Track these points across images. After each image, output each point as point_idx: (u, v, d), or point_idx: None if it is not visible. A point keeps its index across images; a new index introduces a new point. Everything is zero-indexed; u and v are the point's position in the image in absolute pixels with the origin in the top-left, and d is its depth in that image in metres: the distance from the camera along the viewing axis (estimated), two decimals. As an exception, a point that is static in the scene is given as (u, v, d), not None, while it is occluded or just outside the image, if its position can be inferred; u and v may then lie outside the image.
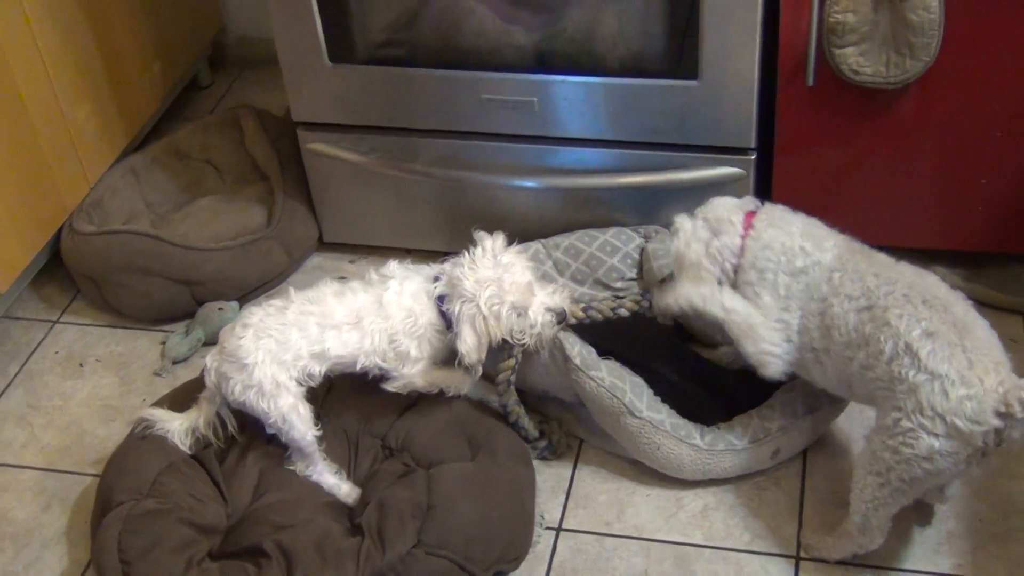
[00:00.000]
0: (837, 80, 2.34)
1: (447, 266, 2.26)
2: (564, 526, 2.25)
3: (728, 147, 2.50)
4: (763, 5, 2.29)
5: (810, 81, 2.35)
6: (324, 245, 2.97)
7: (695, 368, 2.43)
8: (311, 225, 2.93)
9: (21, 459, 2.52)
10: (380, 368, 2.24)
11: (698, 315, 2.21)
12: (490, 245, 2.22)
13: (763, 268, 2.12)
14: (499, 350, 2.25)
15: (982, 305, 2.53)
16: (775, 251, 2.11)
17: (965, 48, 2.27)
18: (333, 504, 2.25)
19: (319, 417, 2.35)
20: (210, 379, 2.23)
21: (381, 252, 2.93)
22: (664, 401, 2.27)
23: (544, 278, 2.46)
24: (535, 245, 2.62)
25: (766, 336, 2.09)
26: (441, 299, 2.21)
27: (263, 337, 2.17)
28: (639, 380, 2.27)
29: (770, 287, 2.10)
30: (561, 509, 2.28)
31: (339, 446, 2.34)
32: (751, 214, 2.18)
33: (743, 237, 2.15)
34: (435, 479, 2.15)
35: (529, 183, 2.64)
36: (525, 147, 2.61)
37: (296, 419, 2.19)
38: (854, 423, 2.36)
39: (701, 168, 2.53)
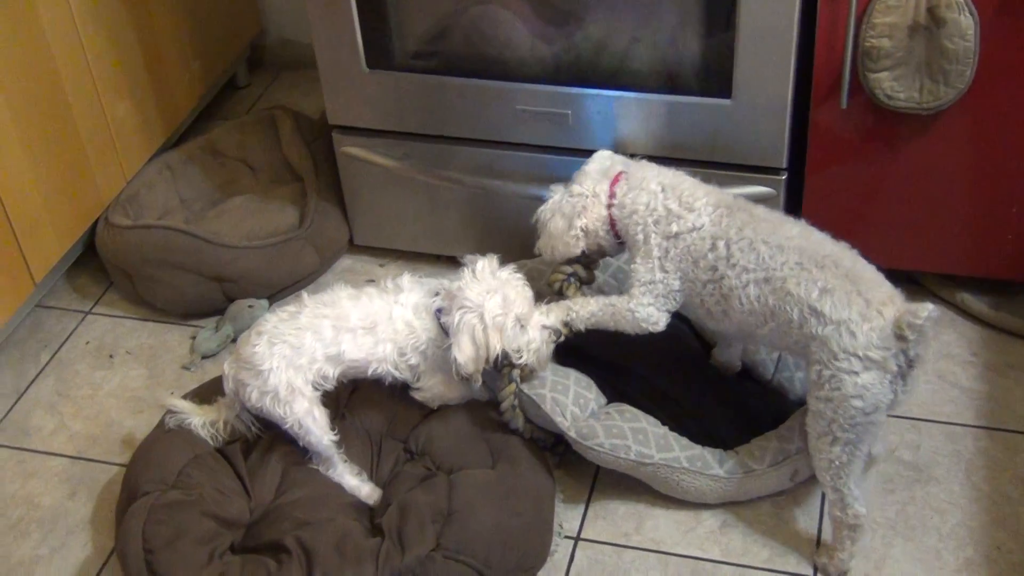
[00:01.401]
0: (870, 104, 2.36)
1: (445, 282, 2.29)
2: (583, 536, 2.27)
3: (759, 166, 2.51)
4: (799, 27, 2.31)
5: (844, 104, 2.36)
6: (355, 248, 3.01)
7: (714, 384, 2.44)
8: (342, 227, 2.96)
9: (50, 446, 2.56)
10: (394, 376, 2.27)
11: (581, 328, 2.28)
12: (485, 264, 2.24)
13: (634, 234, 2.21)
14: (497, 375, 2.26)
15: (1011, 335, 2.56)
16: (640, 214, 2.19)
17: (999, 77, 2.28)
18: (354, 504, 2.27)
19: (343, 417, 2.39)
20: (228, 386, 2.27)
21: (411, 257, 2.96)
22: (675, 428, 2.28)
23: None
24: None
25: (637, 311, 2.19)
26: (440, 312, 2.24)
27: (277, 343, 2.20)
28: (640, 423, 2.25)
29: (642, 250, 2.19)
30: (580, 519, 2.29)
31: (362, 447, 2.37)
32: (618, 177, 2.25)
33: (609, 208, 2.24)
34: (456, 485, 2.18)
35: (560, 195, 2.66)
36: (557, 159, 2.64)
37: (311, 424, 2.22)
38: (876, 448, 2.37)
39: (732, 186, 2.52)
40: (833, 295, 2.00)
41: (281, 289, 2.87)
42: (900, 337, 1.96)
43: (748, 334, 2.18)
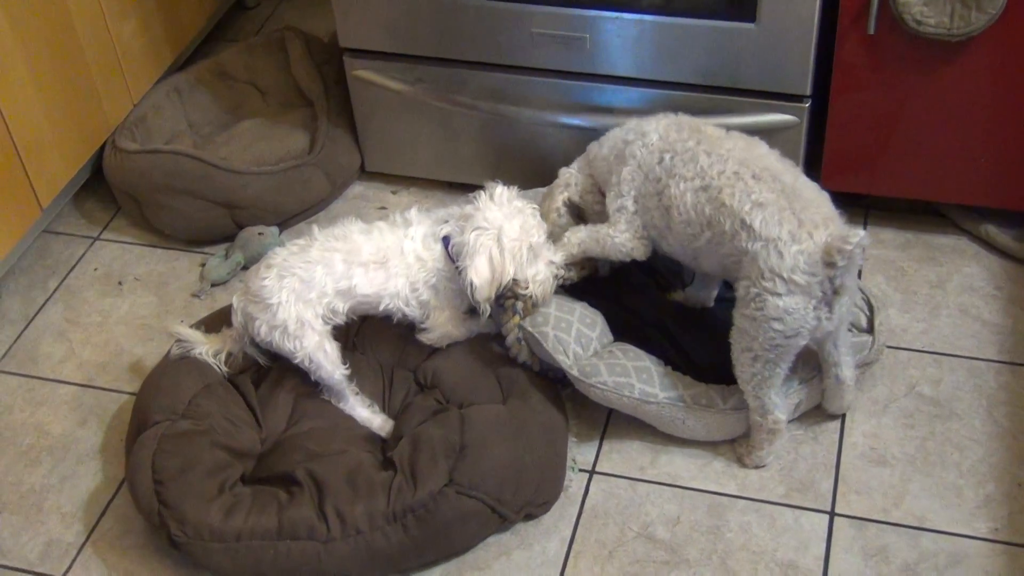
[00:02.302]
0: (899, 30, 2.28)
1: (454, 209, 2.24)
2: (597, 469, 2.24)
3: (782, 93, 2.44)
4: (828, -52, 2.23)
5: (871, 29, 2.29)
6: (366, 174, 2.95)
7: (712, 323, 2.39)
8: (354, 153, 2.90)
9: (59, 374, 2.53)
10: (404, 314, 2.24)
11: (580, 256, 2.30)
12: (503, 190, 2.19)
13: (599, 167, 2.26)
14: (500, 309, 2.22)
15: (1034, 268, 2.51)
16: (605, 147, 2.24)
17: (1035, 2, 2.20)
18: (366, 435, 2.25)
19: (353, 348, 2.35)
20: (236, 319, 2.23)
21: (423, 184, 2.91)
22: (677, 368, 2.24)
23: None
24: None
25: (616, 236, 2.19)
26: (447, 240, 2.19)
27: (286, 276, 2.16)
28: (644, 362, 2.21)
29: (608, 181, 2.22)
30: (595, 453, 2.27)
31: (374, 378, 2.34)
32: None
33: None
34: (468, 419, 2.14)
35: (576, 120, 2.60)
36: (573, 84, 2.57)
37: (323, 358, 2.19)
38: (897, 381, 2.33)
39: (753, 113, 2.48)
40: (765, 210, 1.97)
41: (291, 216, 2.82)
42: (828, 263, 1.92)
43: (689, 251, 2.14)
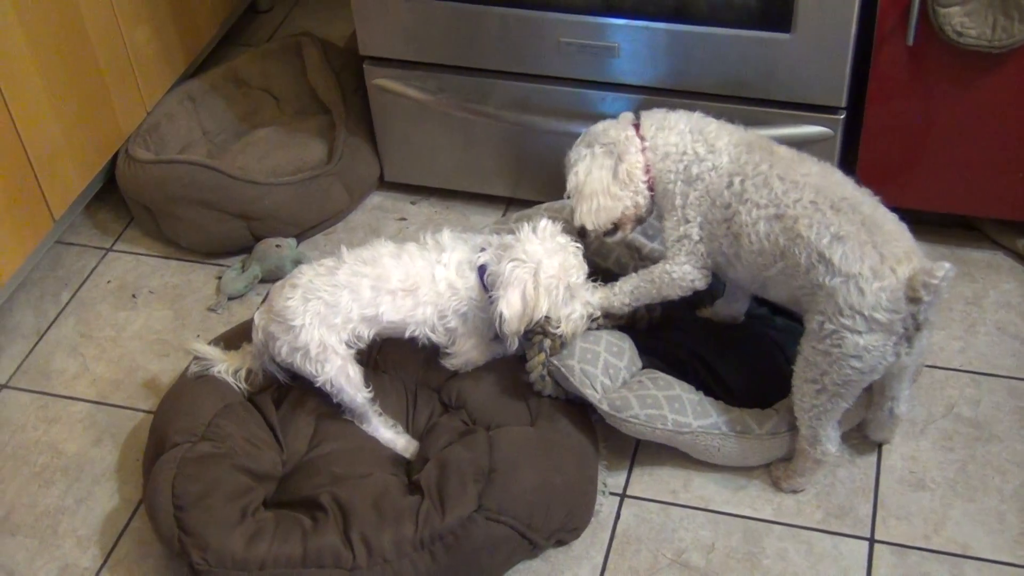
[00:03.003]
0: (938, 41, 2.22)
1: (495, 237, 2.18)
2: (628, 493, 2.18)
3: (817, 104, 2.38)
4: (867, -43, 2.17)
5: (910, 40, 2.23)
6: (385, 184, 2.88)
7: (743, 342, 2.32)
8: (373, 163, 2.84)
9: (72, 390, 2.47)
10: (430, 340, 2.17)
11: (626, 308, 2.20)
12: (548, 224, 2.13)
13: (665, 182, 2.08)
14: (527, 342, 2.15)
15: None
16: (673, 159, 2.07)
17: (1081, 14, 2.14)
18: (391, 457, 2.19)
19: (376, 367, 2.29)
20: (257, 336, 2.17)
21: (443, 194, 2.84)
22: (710, 392, 2.17)
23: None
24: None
25: (674, 271, 2.09)
26: (483, 269, 2.12)
27: (311, 299, 2.10)
28: (675, 390, 2.13)
29: (669, 204, 2.09)
30: (626, 475, 2.20)
31: (396, 398, 2.28)
32: (635, 127, 2.12)
33: (643, 151, 2.10)
34: (497, 442, 2.08)
35: (603, 132, 2.53)
36: (602, 95, 2.50)
37: (345, 382, 2.13)
38: (935, 402, 2.27)
39: (787, 125, 2.41)
40: (845, 244, 1.87)
41: (309, 227, 2.76)
42: (912, 299, 1.83)
43: (758, 280, 2.05)
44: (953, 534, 2.07)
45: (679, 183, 2.07)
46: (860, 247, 1.87)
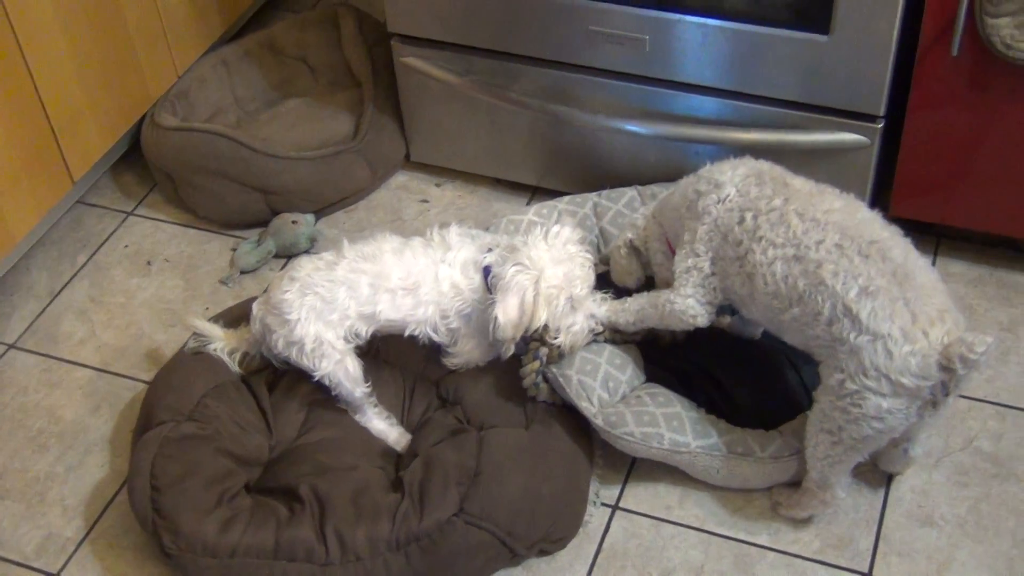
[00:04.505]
0: (985, 52, 2.09)
1: (504, 238, 2.10)
2: (621, 505, 2.10)
3: (854, 112, 2.26)
4: (913, -41, 2.04)
5: (955, 51, 2.09)
6: (410, 164, 2.82)
7: (754, 361, 2.22)
8: (398, 142, 2.77)
9: (77, 356, 2.46)
10: (431, 339, 2.11)
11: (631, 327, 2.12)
12: (560, 231, 2.04)
13: (668, 217, 2.06)
14: (524, 347, 2.07)
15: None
16: (676, 196, 2.03)
17: None
18: (381, 449, 2.14)
19: (376, 354, 2.24)
20: (255, 327, 2.13)
21: (468, 178, 2.77)
22: (713, 411, 2.09)
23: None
24: (630, 192, 2.45)
25: (676, 302, 1.99)
26: (488, 270, 2.05)
27: (308, 294, 2.04)
28: (674, 407, 2.05)
29: (679, 235, 2.01)
30: (620, 487, 2.13)
31: (394, 388, 2.23)
32: None
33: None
34: (486, 443, 2.02)
35: (631, 126, 2.44)
36: (630, 87, 2.41)
37: (343, 377, 2.07)
38: (954, 433, 2.16)
39: (822, 131, 2.30)
40: (875, 299, 1.74)
41: (329, 204, 2.70)
42: (946, 368, 1.71)
43: (773, 323, 1.93)
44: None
45: (686, 219, 1.98)
46: (891, 303, 1.73)
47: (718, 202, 1.92)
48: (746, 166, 1.96)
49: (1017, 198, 2.31)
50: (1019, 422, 2.18)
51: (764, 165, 1.96)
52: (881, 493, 2.09)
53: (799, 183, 1.92)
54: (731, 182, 1.93)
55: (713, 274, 1.96)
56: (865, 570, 1.99)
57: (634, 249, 2.19)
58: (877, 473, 2.10)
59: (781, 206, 1.86)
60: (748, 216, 1.88)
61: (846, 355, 1.77)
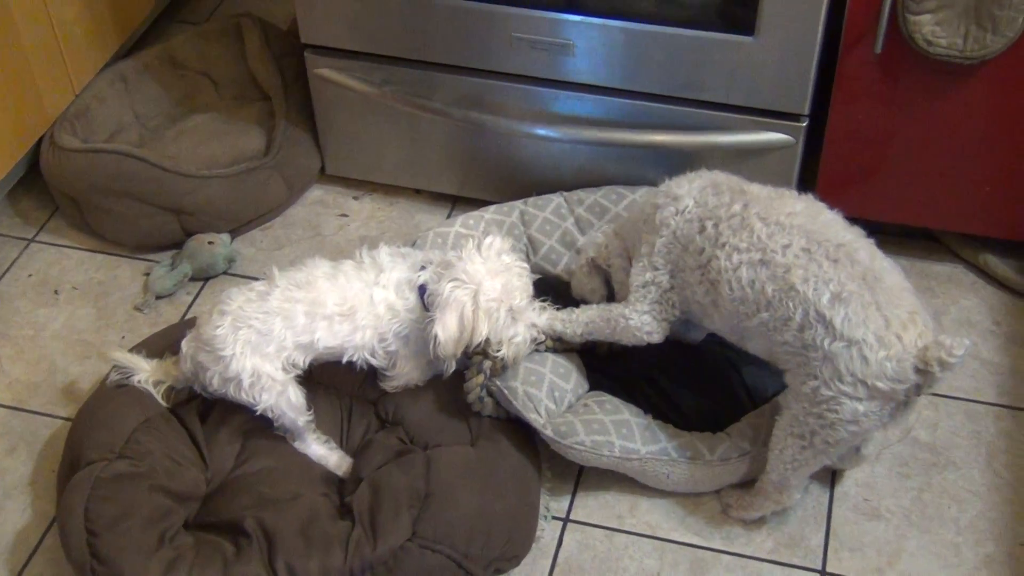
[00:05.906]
0: (907, 50, 2.12)
1: (436, 253, 2.06)
2: (571, 517, 2.08)
3: (778, 111, 2.28)
4: (835, -40, 2.06)
5: (878, 48, 2.12)
6: (326, 177, 2.75)
7: (700, 365, 2.22)
8: (313, 155, 2.70)
9: (-14, 394, 2.33)
10: (368, 363, 2.05)
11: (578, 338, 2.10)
12: (493, 242, 2.01)
13: (628, 232, 2.04)
14: (467, 361, 2.04)
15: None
16: (634, 211, 2.02)
17: (1055, 27, 2.04)
18: (322, 475, 2.07)
19: (309, 376, 2.16)
20: (186, 365, 2.03)
21: (387, 190, 2.71)
22: (659, 416, 2.08)
23: (565, 235, 2.33)
24: (556, 199, 2.43)
25: (631, 318, 1.98)
26: (423, 289, 2.01)
27: (242, 327, 1.96)
28: (623, 414, 2.04)
29: (637, 250, 1.99)
30: (570, 499, 2.10)
31: (331, 411, 2.16)
32: None
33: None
34: (434, 463, 1.97)
35: (556, 132, 2.41)
36: (554, 92, 2.38)
37: (286, 408, 2.01)
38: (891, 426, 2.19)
39: (746, 131, 2.31)
40: (848, 305, 1.74)
41: (245, 223, 2.62)
42: (922, 371, 1.72)
43: (737, 331, 1.92)
44: (907, 568, 1.99)
45: (642, 227, 1.97)
46: (863, 308, 1.73)
47: (676, 214, 1.91)
48: (702, 178, 1.95)
49: (937, 191, 2.35)
50: (951, 409, 2.22)
51: (720, 176, 1.96)
52: (826, 489, 2.10)
53: (756, 188, 1.91)
54: (688, 194, 1.92)
55: (672, 288, 1.95)
56: (818, 567, 2.00)
57: (595, 267, 2.16)
58: (823, 469, 2.12)
59: (741, 211, 1.85)
60: (709, 225, 1.87)
61: (820, 361, 1.77)
